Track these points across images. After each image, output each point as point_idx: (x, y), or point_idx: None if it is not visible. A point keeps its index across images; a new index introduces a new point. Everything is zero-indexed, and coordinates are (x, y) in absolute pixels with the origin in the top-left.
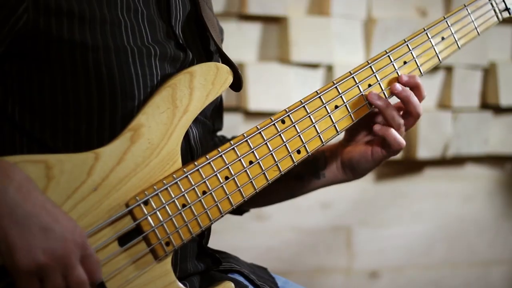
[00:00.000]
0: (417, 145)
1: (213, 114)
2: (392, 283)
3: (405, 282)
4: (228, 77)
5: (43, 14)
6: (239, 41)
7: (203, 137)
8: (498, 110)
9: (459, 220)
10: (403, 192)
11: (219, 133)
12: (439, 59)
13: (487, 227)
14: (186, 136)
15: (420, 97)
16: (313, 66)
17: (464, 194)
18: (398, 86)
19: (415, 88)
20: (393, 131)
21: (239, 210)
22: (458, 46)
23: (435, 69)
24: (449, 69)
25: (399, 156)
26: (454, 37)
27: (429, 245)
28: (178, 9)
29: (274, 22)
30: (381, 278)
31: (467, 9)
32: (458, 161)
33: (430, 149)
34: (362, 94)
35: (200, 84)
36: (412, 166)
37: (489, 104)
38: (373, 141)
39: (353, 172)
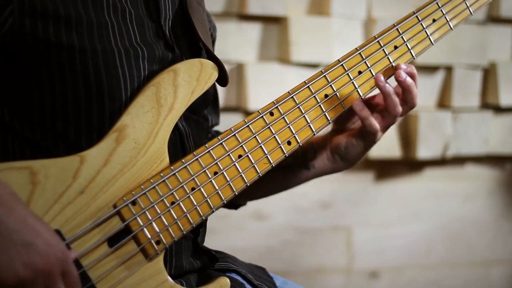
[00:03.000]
0: (417, 145)
1: (209, 109)
2: (392, 283)
3: (405, 282)
4: (213, 73)
5: (29, 17)
6: (239, 41)
7: (197, 135)
8: (498, 110)
9: (459, 220)
10: (403, 192)
11: (215, 128)
12: (431, 41)
13: (487, 227)
14: (179, 134)
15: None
16: (313, 66)
17: (464, 194)
18: (403, 75)
19: (412, 77)
20: (370, 116)
21: (234, 204)
22: (451, 27)
23: (435, 69)
24: (449, 69)
25: (399, 156)
26: (446, 18)
27: (429, 245)
28: (167, 7)
29: (274, 22)
30: (381, 278)
31: None
32: (458, 161)
33: (430, 149)
34: (352, 82)
35: (185, 81)
36: (412, 166)
37: (489, 104)
38: (358, 127)
39: (343, 160)
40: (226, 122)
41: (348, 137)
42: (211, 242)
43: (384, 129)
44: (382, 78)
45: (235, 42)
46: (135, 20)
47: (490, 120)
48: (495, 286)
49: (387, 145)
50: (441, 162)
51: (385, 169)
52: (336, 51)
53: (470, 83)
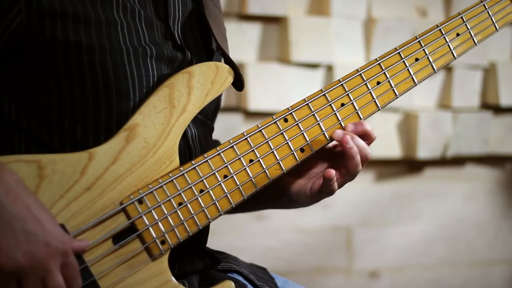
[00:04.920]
0: (417, 145)
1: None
2: (392, 283)
3: (405, 282)
4: (228, 77)
5: (37, 16)
6: (239, 41)
7: (203, 136)
8: (498, 110)
9: (459, 220)
10: (403, 192)
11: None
12: (454, 56)
13: (487, 227)
14: (184, 135)
15: (370, 141)
16: (313, 66)
17: (464, 194)
18: (340, 133)
19: (365, 136)
20: (335, 181)
21: None
22: (475, 42)
23: None
24: (449, 69)
25: (399, 156)
26: (471, 33)
27: (429, 245)
28: (176, 9)
29: (274, 22)
30: (381, 278)
31: (484, 5)
32: (458, 161)
33: (430, 149)
34: (370, 92)
35: (199, 84)
36: (412, 166)
37: (489, 104)
38: (314, 176)
39: (289, 202)
40: (226, 122)
41: (303, 185)
42: (211, 242)
43: (341, 185)
44: (349, 139)
45: (235, 42)
46: (144, 20)
47: (490, 120)
48: (495, 286)
49: (387, 145)
50: (441, 162)
51: (385, 169)
52: (336, 51)
53: (470, 83)
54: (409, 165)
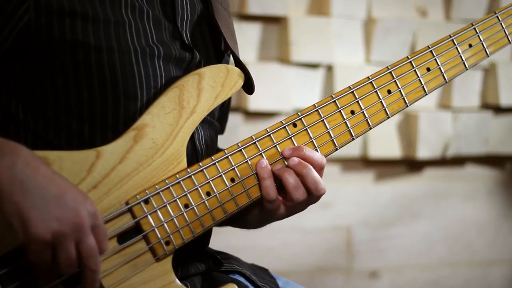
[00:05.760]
0: (417, 145)
1: (219, 116)
2: (392, 283)
3: (405, 282)
4: (238, 80)
5: (45, 15)
6: (239, 41)
7: (209, 138)
8: (498, 110)
9: (459, 220)
10: (403, 192)
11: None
12: (466, 67)
13: (487, 227)
14: (191, 136)
15: (316, 167)
16: (313, 66)
17: (464, 194)
18: (295, 159)
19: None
20: (269, 179)
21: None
22: (487, 54)
23: None
24: None
25: (399, 156)
26: (483, 45)
27: (429, 245)
28: (184, 9)
29: (274, 22)
30: (381, 278)
31: (497, 16)
32: (458, 161)
33: (430, 149)
34: (381, 101)
35: (209, 86)
36: (412, 166)
37: (489, 104)
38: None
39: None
40: None
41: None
42: (212, 242)
43: (287, 209)
44: (263, 161)
45: None
46: (152, 20)
47: (490, 120)
48: (495, 286)
49: (387, 145)
50: (441, 162)
51: (385, 169)
52: (336, 51)
53: (470, 83)
54: (409, 165)
